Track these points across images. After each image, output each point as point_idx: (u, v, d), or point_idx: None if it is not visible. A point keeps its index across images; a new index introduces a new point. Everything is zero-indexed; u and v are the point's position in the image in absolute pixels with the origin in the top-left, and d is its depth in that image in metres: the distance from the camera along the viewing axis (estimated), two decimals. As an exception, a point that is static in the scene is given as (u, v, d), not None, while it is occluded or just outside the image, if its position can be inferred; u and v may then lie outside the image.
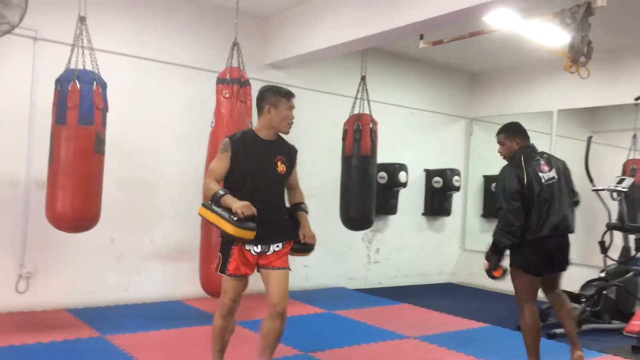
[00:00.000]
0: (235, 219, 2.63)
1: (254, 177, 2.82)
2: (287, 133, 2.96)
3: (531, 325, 3.43)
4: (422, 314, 5.32)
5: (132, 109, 5.12)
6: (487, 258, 3.46)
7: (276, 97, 2.89)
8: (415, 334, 4.43)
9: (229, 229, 2.65)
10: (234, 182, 2.83)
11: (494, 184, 7.63)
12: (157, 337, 4.04)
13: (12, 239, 4.60)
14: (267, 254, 2.87)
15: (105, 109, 4.07)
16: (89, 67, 4.03)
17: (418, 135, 7.38)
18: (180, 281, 5.34)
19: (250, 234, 2.68)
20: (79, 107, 3.92)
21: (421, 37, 4.85)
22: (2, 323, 4.16)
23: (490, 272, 3.47)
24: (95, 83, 3.99)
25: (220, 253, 2.88)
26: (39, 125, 4.62)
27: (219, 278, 4.40)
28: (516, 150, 3.57)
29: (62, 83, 3.95)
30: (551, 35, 4.25)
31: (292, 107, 2.93)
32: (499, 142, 3.71)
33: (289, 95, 2.92)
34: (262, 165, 2.86)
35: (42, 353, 3.52)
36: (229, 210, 2.66)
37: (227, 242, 2.84)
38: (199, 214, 2.79)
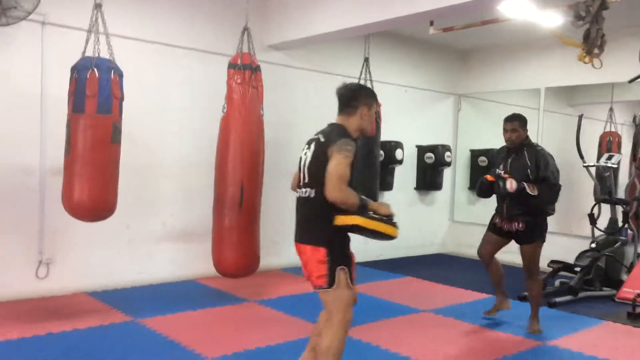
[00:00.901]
0: (394, 221, 2.63)
1: (357, 179, 2.76)
2: (369, 135, 2.93)
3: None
4: (427, 287, 5.61)
5: (138, 92, 5.10)
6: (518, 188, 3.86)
7: (371, 98, 2.82)
8: (428, 307, 4.71)
9: (393, 231, 2.62)
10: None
11: (481, 158, 7.95)
12: (189, 318, 4.18)
13: (30, 226, 4.62)
14: None
15: (122, 98, 4.08)
16: (102, 54, 3.99)
17: (410, 112, 7.57)
18: (192, 261, 5.47)
19: None
20: (98, 96, 3.90)
21: (431, 23, 4.97)
22: (29, 310, 4.23)
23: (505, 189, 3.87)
24: (113, 71, 3.99)
25: (341, 266, 2.63)
26: (50, 112, 4.61)
27: (232, 258, 4.61)
28: (524, 138, 4.02)
29: (79, 71, 3.92)
30: (550, 19, 4.46)
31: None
32: (512, 129, 4.03)
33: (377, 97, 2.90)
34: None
35: (84, 340, 3.63)
36: (375, 213, 2.61)
37: (344, 253, 2.67)
38: (360, 225, 2.57)
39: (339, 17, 5.26)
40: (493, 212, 4.24)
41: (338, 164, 2.54)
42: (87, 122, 3.89)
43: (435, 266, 6.87)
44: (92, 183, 3.91)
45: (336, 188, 2.52)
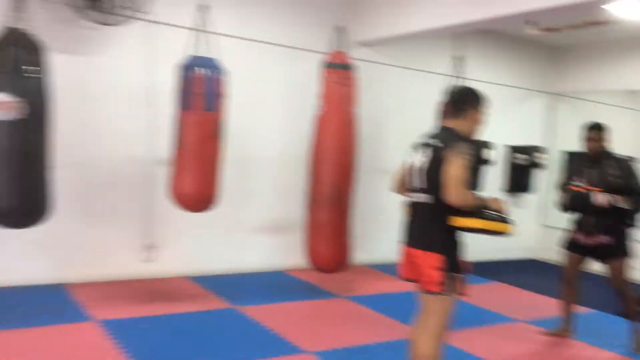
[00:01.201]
0: (509, 218, 2.64)
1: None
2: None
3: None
4: (520, 295, 5.49)
5: (236, 89, 5.27)
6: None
7: (482, 102, 2.82)
8: (523, 317, 4.60)
9: (509, 229, 2.63)
10: None
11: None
12: (284, 309, 4.35)
13: (138, 212, 4.94)
14: None
15: (225, 96, 4.26)
16: (207, 52, 4.18)
17: (500, 111, 7.33)
18: (281, 253, 5.66)
19: None
20: (204, 94, 4.11)
21: (530, 22, 4.80)
22: (137, 291, 4.56)
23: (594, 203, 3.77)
24: (217, 70, 4.18)
25: (454, 273, 2.65)
26: (157, 107, 4.84)
27: (327, 254, 4.71)
28: (604, 147, 3.89)
29: (186, 69, 4.13)
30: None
31: None
32: (593, 138, 3.90)
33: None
34: None
35: (189, 323, 3.88)
36: (491, 211, 2.63)
37: (458, 260, 2.68)
38: (473, 227, 2.61)
39: (433, 16, 5.18)
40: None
41: (457, 167, 2.57)
42: (194, 118, 4.11)
43: (526, 272, 6.69)
44: (198, 177, 4.14)
45: (456, 191, 2.54)
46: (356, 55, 5.83)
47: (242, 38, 5.35)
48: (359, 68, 5.02)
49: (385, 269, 5.70)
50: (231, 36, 5.23)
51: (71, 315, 3.85)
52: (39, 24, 3.78)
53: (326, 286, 5.07)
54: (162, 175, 4.51)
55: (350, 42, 5.89)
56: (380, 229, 6.04)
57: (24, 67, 3.52)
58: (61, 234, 4.51)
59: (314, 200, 4.69)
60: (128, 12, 4.49)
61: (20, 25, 3.64)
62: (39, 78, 3.59)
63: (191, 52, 4.20)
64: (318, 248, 4.67)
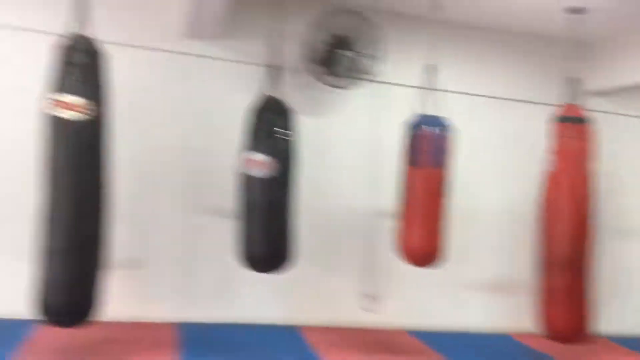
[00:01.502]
0: None
1: None
2: None
3: None
4: None
5: (459, 143, 5.26)
6: None
7: None
8: None
9: None
10: None
11: None
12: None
13: (362, 263, 5.12)
14: None
15: (451, 152, 4.28)
16: (430, 109, 4.27)
17: None
18: (505, 314, 5.35)
19: None
20: (431, 151, 4.20)
21: None
22: (361, 339, 4.70)
23: None
24: (445, 128, 4.26)
25: None
26: (380, 161, 5.02)
27: (563, 322, 4.29)
28: None
29: (414, 127, 4.28)
30: None
31: None
32: None
33: None
34: None
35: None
36: None
37: None
38: None
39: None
40: None
41: None
42: (422, 174, 4.22)
43: None
44: (425, 232, 4.20)
45: None
46: (589, 106, 5.43)
47: (467, 94, 5.35)
48: (594, 120, 4.65)
49: (630, 344, 5.05)
50: (457, 92, 5.28)
51: (307, 358, 4.11)
52: (288, 91, 4.28)
53: (560, 357, 4.64)
54: (383, 227, 4.65)
55: (583, 92, 5.53)
56: (625, 296, 5.40)
57: (277, 130, 4.01)
58: (296, 279, 4.86)
59: (548, 262, 4.36)
60: (360, 76, 4.86)
61: (273, 93, 4.16)
62: (288, 139, 4.05)
63: (416, 109, 4.33)
64: (552, 314, 4.29)
